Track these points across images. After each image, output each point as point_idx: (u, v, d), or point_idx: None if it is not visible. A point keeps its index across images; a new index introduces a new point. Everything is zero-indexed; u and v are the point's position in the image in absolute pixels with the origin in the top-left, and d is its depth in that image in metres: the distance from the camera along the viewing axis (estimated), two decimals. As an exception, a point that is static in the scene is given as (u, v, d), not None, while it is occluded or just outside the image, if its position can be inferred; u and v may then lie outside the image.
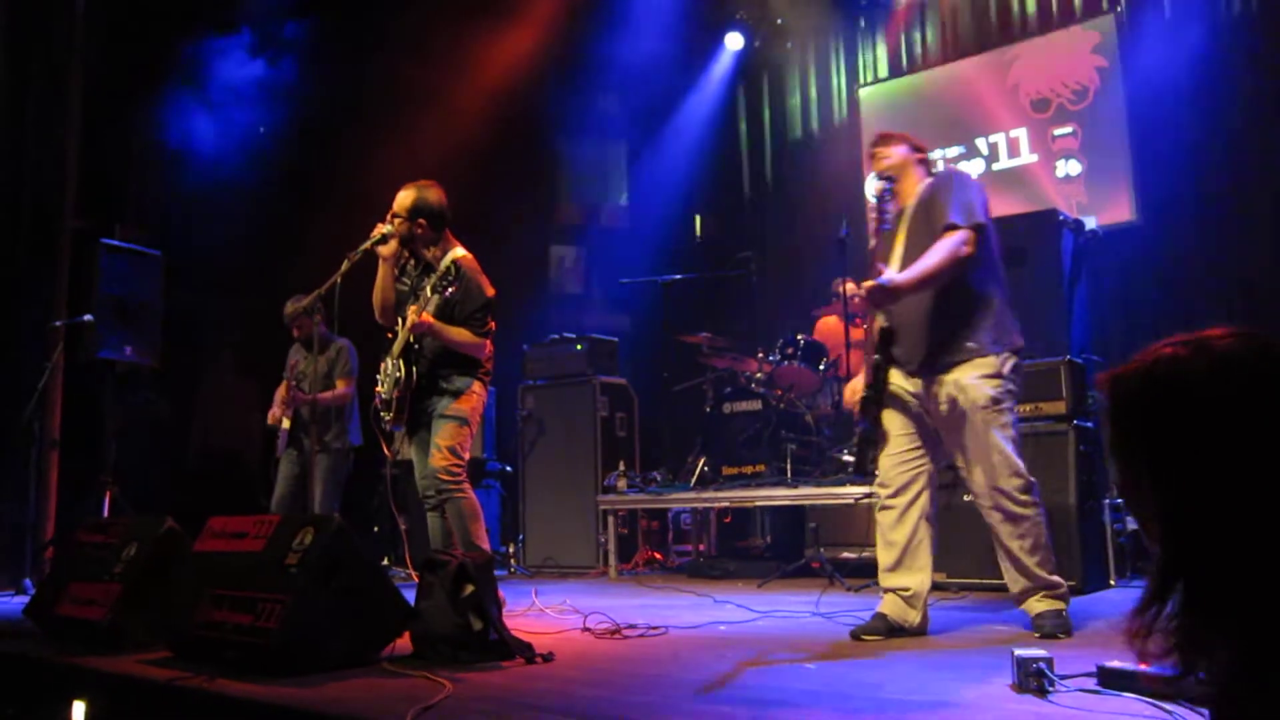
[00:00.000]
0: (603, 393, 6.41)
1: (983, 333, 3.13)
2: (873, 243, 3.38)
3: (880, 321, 3.26)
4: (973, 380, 3.10)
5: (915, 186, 3.33)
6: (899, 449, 3.25)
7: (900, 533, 3.22)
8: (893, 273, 3.01)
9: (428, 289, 3.82)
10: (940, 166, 7.40)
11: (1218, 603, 0.95)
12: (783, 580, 5.01)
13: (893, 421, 3.25)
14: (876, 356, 3.23)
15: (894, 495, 3.24)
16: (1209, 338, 1.00)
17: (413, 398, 3.85)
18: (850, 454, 5.43)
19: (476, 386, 3.90)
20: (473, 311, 3.88)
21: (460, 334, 3.84)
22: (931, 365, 3.17)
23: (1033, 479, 3.15)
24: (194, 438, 7.09)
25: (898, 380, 3.25)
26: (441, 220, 3.95)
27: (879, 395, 3.23)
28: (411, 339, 3.83)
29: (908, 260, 3.17)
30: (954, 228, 3.08)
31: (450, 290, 3.78)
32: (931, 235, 3.14)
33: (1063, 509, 4.23)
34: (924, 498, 3.22)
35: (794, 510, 5.80)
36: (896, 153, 3.37)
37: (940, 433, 3.21)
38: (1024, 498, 3.10)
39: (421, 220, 3.91)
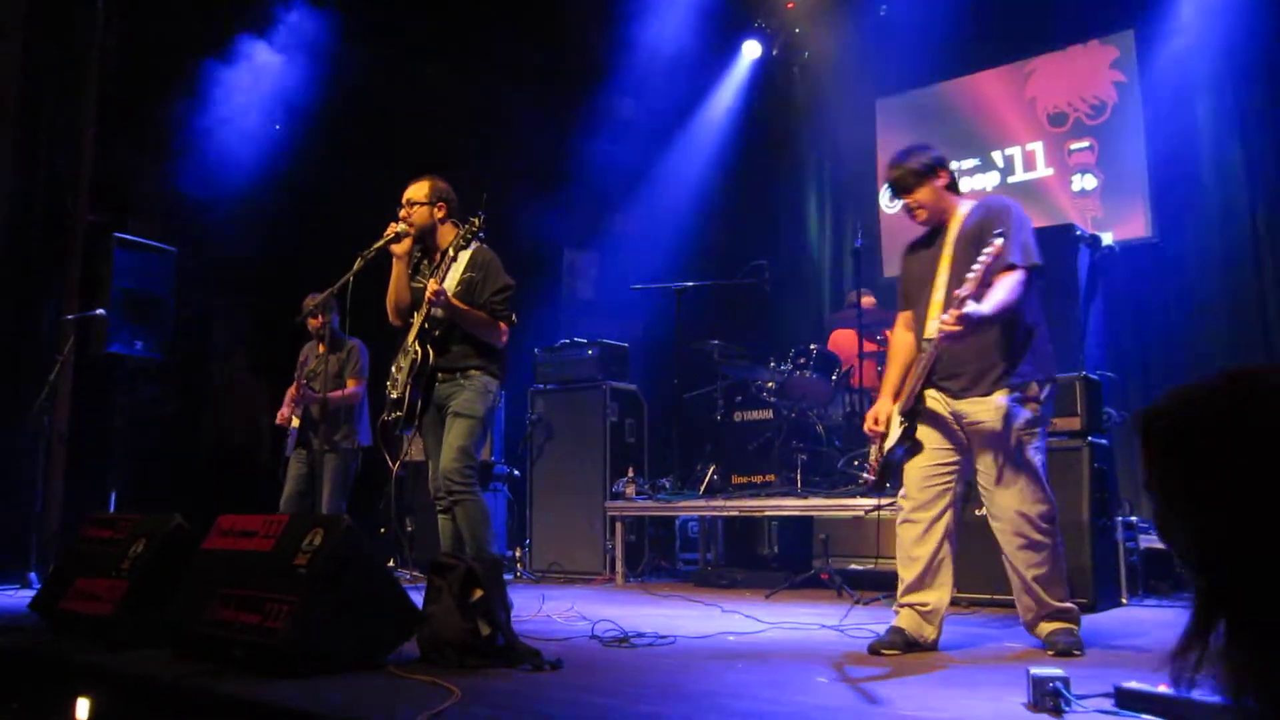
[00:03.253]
0: (613, 398, 6.38)
1: (1025, 361, 3.15)
2: (901, 265, 3.37)
3: (927, 348, 3.19)
4: (1012, 403, 3.11)
5: (954, 207, 3.29)
6: (929, 463, 3.22)
7: (924, 549, 3.19)
8: (977, 305, 2.94)
9: (451, 250, 3.81)
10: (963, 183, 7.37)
11: (1267, 635, 0.92)
12: (791, 591, 4.98)
13: (927, 437, 3.22)
14: (919, 384, 3.18)
15: (918, 509, 3.21)
16: (1253, 373, 0.98)
17: (426, 383, 3.81)
18: (862, 464, 5.40)
19: (492, 384, 3.87)
20: (493, 294, 3.87)
21: (476, 313, 3.82)
22: (974, 389, 3.15)
23: (1055, 508, 3.13)
24: (203, 434, 7.09)
25: (935, 399, 3.22)
26: (455, 204, 3.96)
27: (916, 423, 3.21)
28: (426, 324, 3.81)
29: (955, 286, 3.12)
30: (1014, 268, 3.08)
31: (472, 275, 3.78)
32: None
33: (1076, 526, 4.18)
34: (949, 515, 3.20)
35: (803, 521, 5.77)
36: (925, 199, 3.27)
37: (972, 452, 3.19)
38: (1046, 526, 3.09)
39: (442, 203, 3.91)
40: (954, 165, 7.79)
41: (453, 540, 3.82)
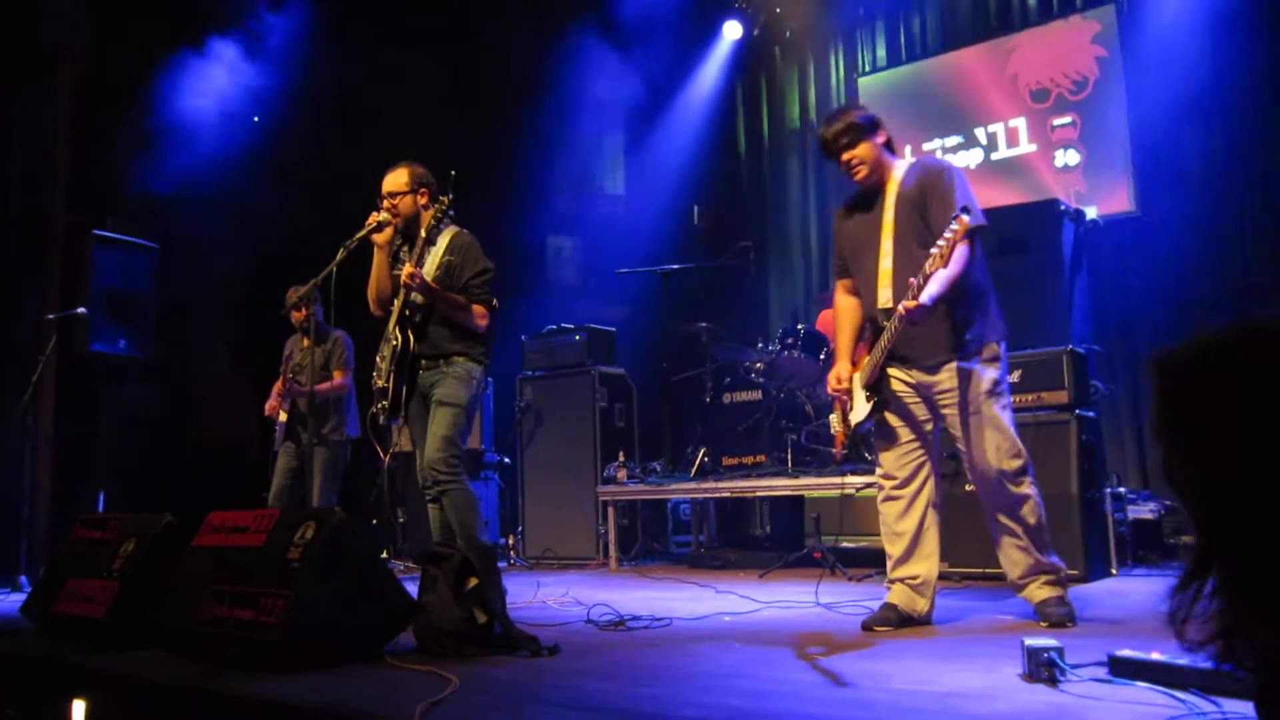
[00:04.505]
0: (601, 383, 6.39)
1: (980, 323, 3.17)
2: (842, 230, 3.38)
3: (883, 323, 3.20)
4: (976, 366, 3.13)
5: (891, 167, 3.26)
6: (901, 440, 3.25)
7: (908, 522, 3.23)
8: (927, 292, 2.94)
9: (425, 232, 3.79)
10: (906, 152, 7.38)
11: (1264, 588, 0.93)
12: (784, 570, 5.00)
13: (895, 416, 3.26)
14: (881, 360, 3.19)
15: (900, 486, 3.25)
16: (1265, 321, 0.99)
17: (409, 370, 3.80)
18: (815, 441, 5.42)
19: (475, 370, 3.85)
20: (471, 278, 3.84)
21: (454, 297, 3.79)
22: (934, 357, 3.17)
23: (1029, 460, 3.16)
24: (190, 431, 7.05)
25: (897, 375, 3.24)
26: (435, 188, 3.93)
27: (884, 399, 3.23)
28: (406, 310, 3.80)
29: (900, 250, 3.16)
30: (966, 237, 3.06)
31: (450, 259, 3.76)
32: (928, 230, 3.11)
33: (1065, 498, 4.22)
34: (929, 485, 3.24)
35: (794, 500, 5.79)
36: (866, 155, 3.21)
37: (942, 420, 3.22)
38: (1023, 479, 3.13)
39: (423, 189, 3.88)
40: (937, 143, 7.85)
41: (444, 529, 3.82)
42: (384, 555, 6.19)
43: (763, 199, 8.79)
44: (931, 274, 2.92)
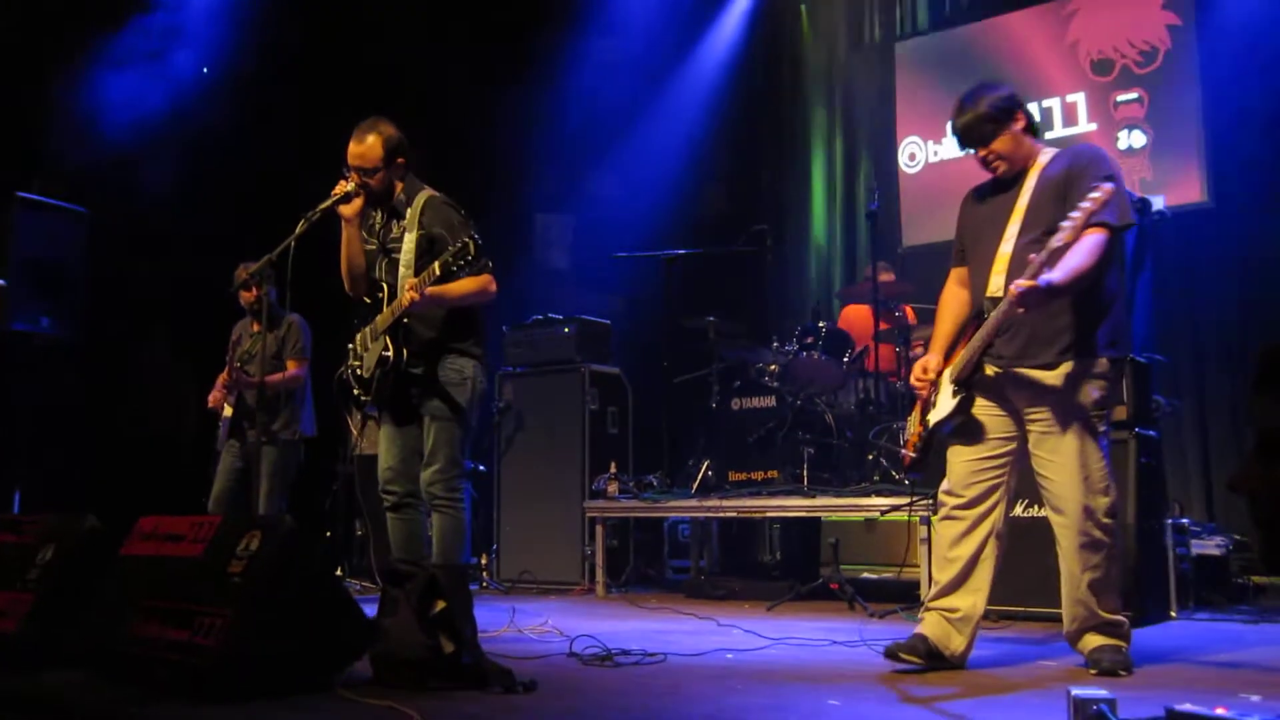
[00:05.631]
0: (592, 383, 6.39)
1: (1098, 332, 3.15)
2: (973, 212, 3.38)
3: (989, 312, 3.18)
4: (1079, 380, 3.11)
5: (1034, 153, 3.31)
6: (979, 454, 3.23)
7: (965, 548, 3.21)
8: (1051, 273, 2.94)
9: (407, 241, 3.74)
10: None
11: None
12: (796, 603, 5.01)
13: (980, 423, 3.23)
14: (979, 352, 3.17)
15: (965, 506, 3.23)
16: None
17: (397, 379, 3.77)
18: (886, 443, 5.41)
19: (470, 366, 3.82)
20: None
21: (460, 287, 3.74)
22: (1036, 358, 3.15)
23: (1117, 499, 3.16)
24: (121, 424, 7.04)
25: (989, 372, 3.22)
26: (408, 149, 3.89)
27: (972, 397, 3.21)
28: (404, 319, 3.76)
29: (1024, 238, 3.16)
30: (1106, 227, 3.07)
31: (436, 231, 3.72)
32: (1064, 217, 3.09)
33: (1120, 528, 4.20)
34: (998, 512, 3.23)
35: (809, 523, 5.80)
36: (1004, 148, 3.25)
37: (1029, 437, 3.19)
38: (1109, 522, 3.13)
39: (400, 158, 3.84)
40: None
41: (407, 543, 3.80)
42: (339, 572, 6.18)
43: (783, 178, 8.79)
44: (1059, 248, 2.92)
